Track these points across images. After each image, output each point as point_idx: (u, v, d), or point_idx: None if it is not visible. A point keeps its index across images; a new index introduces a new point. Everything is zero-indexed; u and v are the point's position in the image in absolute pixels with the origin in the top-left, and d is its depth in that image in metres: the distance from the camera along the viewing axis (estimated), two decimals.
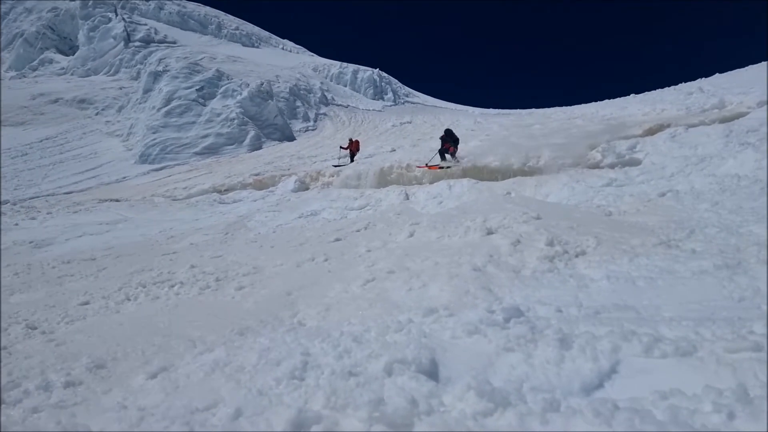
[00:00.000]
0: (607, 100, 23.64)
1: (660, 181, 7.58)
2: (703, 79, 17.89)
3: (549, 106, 35.10)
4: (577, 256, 4.21)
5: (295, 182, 15.14)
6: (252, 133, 31.58)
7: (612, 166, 9.41)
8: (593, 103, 25.20)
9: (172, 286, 5.08)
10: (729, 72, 17.56)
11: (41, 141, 29.69)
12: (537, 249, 4.44)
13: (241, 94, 34.16)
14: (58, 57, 50.49)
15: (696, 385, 1.66)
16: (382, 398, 1.70)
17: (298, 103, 39.64)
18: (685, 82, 18.59)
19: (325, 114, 40.45)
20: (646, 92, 20.49)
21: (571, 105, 29.31)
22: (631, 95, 20.99)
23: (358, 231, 7.90)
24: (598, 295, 3.16)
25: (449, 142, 12.77)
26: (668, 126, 10.42)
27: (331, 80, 51.38)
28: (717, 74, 17.85)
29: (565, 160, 10.37)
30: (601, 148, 10.20)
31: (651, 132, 10.67)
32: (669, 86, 19.35)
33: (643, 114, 14.01)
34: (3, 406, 2.07)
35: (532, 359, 2.03)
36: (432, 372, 2.00)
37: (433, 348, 2.17)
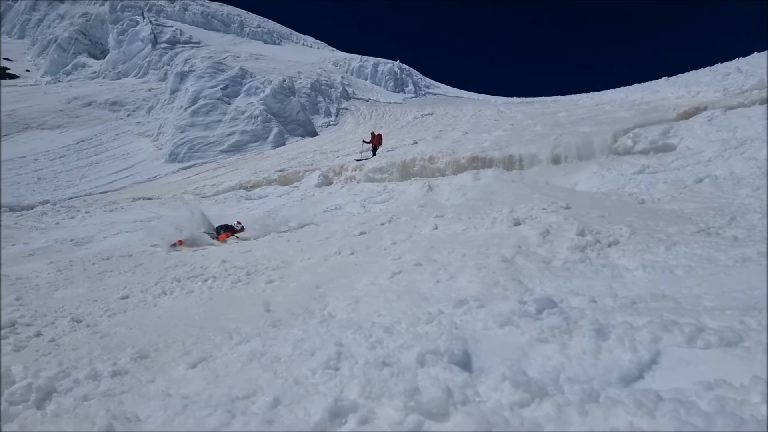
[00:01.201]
0: (637, 84, 22.86)
1: (696, 167, 7.30)
2: (741, 58, 17.06)
3: (575, 93, 34.19)
4: (609, 245, 4.12)
5: (319, 177, 15.25)
6: (275, 130, 31.96)
7: (644, 153, 9.10)
8: (622, 87, 24.41)
9: (206, 281, 5.22)
10: None
11: (77, 143, 30.80)
12: (567, 239, 4.36)
13: (264, 91, 34.56)
14: (90, 61, 52.10)
15: (743, 375, 1.61)
16: (417, 388, 1.71)
17: (320, 99, 39.83)
18: (720, 62, 17.80)
19: (346, 108, 40.53)
20: (679, 74, 19.71)
21: (598, 91, 28.50)
22: (663, 78, 20.24)
23: (382, 224, 7.92)
24: (634, 284, 3.08)
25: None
26: (704, 109, 10.00)
27: (351, 74, 51.40)
28: (755, 53, 17.00)
29: (593, 147, 10.10)
30: (632, 134, 9.88)
31: (686, 116, 10.27)
32: (704, 67, 18.56)
33: (676, 97, 13.51)
34: (55, 394, 2.17)
35: (567, 350, 2.00)
36: (465, 363, 1.99)
37: (465, 339, 2.16)
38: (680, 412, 1.40)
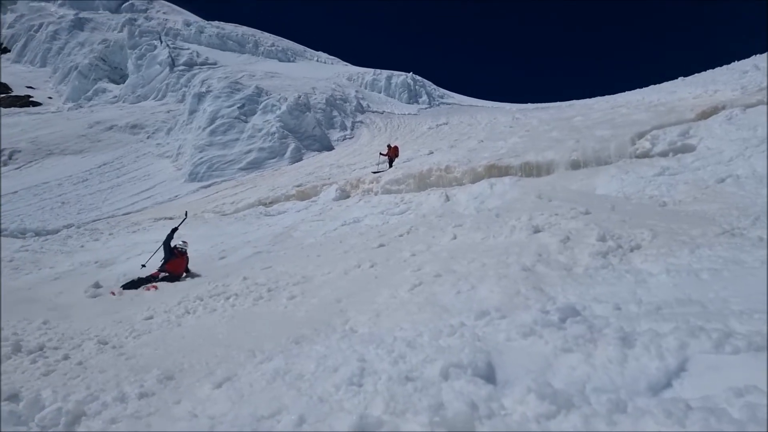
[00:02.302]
0: (653, 86, 22.56)
1: (718, 167, 7.15)
2: (758, 55, 16.73)
3: (590, 97, 33.88)
4: (632, 250, 4.05)
5: (336, 191, 15.38)
6: (292, 146, 32.43)
7: (663, 155, 8.96)
8: (638, 89, 24.12)
9: (228, 298, 5.29)
10: None
11: (99, 167, 31.73)
12: (588, 245, 4.31)
13: (280, 108, 35.18)
14: (111, 86, 53.85)
15: None
16: (442, 403, 1.71)
17: (335, 113, 40.33)
18: (737, 60, 17.46)
19: (361, 122, 40.92)
20: (696, 74, 19.39)
21: (614, 93, 28.19)
22: (680, 78, 19.93)
23: (401, 236, 7.92)
24: (658, 290, 3.02)
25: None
26: (723, 108, 9.83)
27: (365, 88, 51.97)
28: None
29: (611, 151, 9.98)
30: (650, 135, 9.74)
31: (704, 116, 10.10)
32: (720, 66, 18.23)
33: (694, 97, 13.28)
34: (84, 418, 2.22)
35: (592, 359, 1.97)
36: (489, 375, 1.98)
37: (488, 351, 2.15)
38: (710, 421, 1.37)
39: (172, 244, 8.48)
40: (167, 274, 7.98)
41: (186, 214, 9.17)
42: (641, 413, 1.51)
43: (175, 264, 8.27)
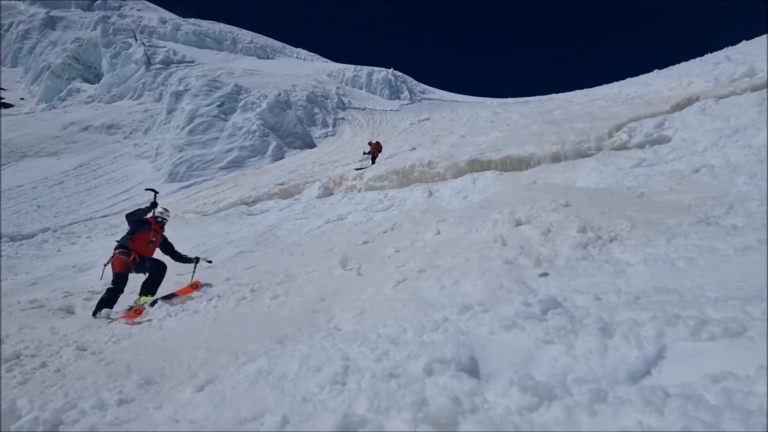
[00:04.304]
0: (629, 79, 22.96)
1: (692, 157, 7.31)
2: (730, 47, 17.12)
3: (569, 90, 34.35)
4: (611, 241, 4.12)
5: (319, 188, 15.30)
6: (274, 144, 32.12)
7: (640, 146, 9.13)
8: (615, 82, 24.51)
9: (210, 300, 5.22)
10: (756, 38, 16.75)
11: (75, 168, 30.95)
12: (569, 237, 4.37)
13: (260, 106, 34.80)
14: (85, 86, 52.51)
15: (748, 366, 1.60)
16: (425, 399, 1.70)
17: (316, 110, 40.08)
18: (710, 52, 17.86)
19: (343, 118, 40.74)
20: (670, 66, 19.78)
21: (592, 87, 28.59)
22: (655, 71, 20.30)
23: (385, 232, 7.93)
24: (637, 279, 3.08)
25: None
26: (697, 99, 10.04)
27: (346, 84, 51.74)
28: (744, 41, 17.07)
29: (590, 143, 10.13)
30: (628, 128, 9.91)
31: (679, 107, 10.31)
32: (694, 58, 18.62)
33: (669, 89, 13.55)
34: (62, 426, 2.17)
35: (573, 350, 2.00)
36: (472, 369, 1.99)
37: (471, 345, 2.16)
38: (688, 408, 1.39)
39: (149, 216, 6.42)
40: (127, 260, 5.79)
41: (155, 194, 7.07)
42: (621, 402, 1.53)
43: (141, 239, 6.05)
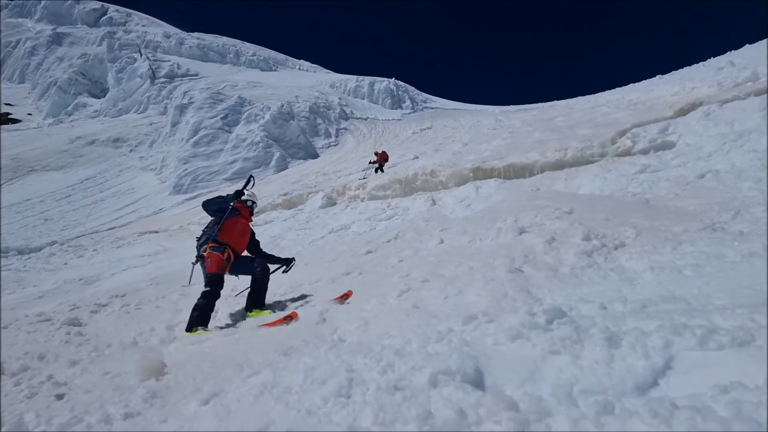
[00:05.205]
0: (632, 84, 23.01)
1: (697, 163, 7.28)
2: (733, 51, 17.15)
3: (571, 96, 34.43)
4: (616, 248, 4.10)
5: (323, 198, 15.33)
6: (277, 155, 32.32)
7: (644, 152, 9.11)
8: (618, 88, 24.56)
9: (215, 311, 5.21)
10: (759, 42, 16.78)
11: (82, 182, 31.24)
12: (573, 245, 4.35)
13: (263, 117, 35.08)
14: (91, 100, 53.18)
15: (757, 376, 1.58)
16: (430, 411, 1.69)
17: (319, 121, 40.36)
18: (713, 57, 17.88)
19: (345, 128, 40.99)
20: (673, 71, 19.81)
21: (594, 93, 28.66)
22: (657, 76, 20.35)
23: (388, 242, 7.92)
24: (643, 288, 3.05)
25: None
26: (700, 104, 10.04)
27: (348, 94, 52.13)
28: (747, 45, 17.09)
29: (593, 150, 10.12)
30: (631, 134, 9.90)
31: (683, 112, 10.31)
32: (697, 63, 18.65)
33: (672, 94, 13.56)
34: None
35: (580, 361, 1.98)
36: (477, 381, 1.97)
37: (476, 356, 2.15)
38: (696, 420, 1.38)
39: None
40: (222, 256, 4.82)
41: (251, 178, 5.67)
42: (628, 414, 1.52)
43: (232, 230, 5.02)
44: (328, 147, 36.54)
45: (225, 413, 2.08)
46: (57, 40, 66.53)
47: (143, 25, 73.77)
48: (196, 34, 67.79)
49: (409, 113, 49.03)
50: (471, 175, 12.01)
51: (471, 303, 3.39)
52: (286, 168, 31.28)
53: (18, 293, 9.84)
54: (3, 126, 45.76)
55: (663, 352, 1.93)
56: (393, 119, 44.89)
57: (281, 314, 4.41)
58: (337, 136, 39.03)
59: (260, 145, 32.34)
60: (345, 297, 4.62)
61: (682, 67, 19.62)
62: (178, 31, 71.50)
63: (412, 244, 7.03)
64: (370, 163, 19.77)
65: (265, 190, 23.02)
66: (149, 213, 24.83)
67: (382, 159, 19.38)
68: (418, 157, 20.10)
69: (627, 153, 9.51)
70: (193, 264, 5.04)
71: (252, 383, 2.33)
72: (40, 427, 2.24)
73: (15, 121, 50.98)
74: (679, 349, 1.94)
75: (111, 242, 16.70)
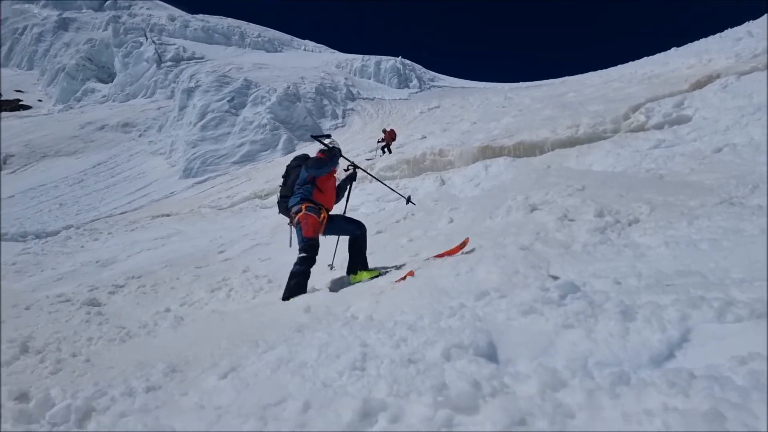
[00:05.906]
0: (645, 58, 22.42)
1: (714, 137, 7.13)
2: (751, 21, 16.58)
3: (583, 72, 33.68)
4: (630, 224, 4.05)
5: None
6: (284, 137, 32.24)
7: (659, 127, 8.93)
8: (631, 62, 23.96)
9: (229, 291, 5.30)
10: None
11: (94, 167, 31.56)
12: (586, 221, 4.31)
13: (270, 100, 34.90)
14: (99, 86, 53.28)
15: None
16: (444, 383, 1.71)
17: (325, 102, 40.03)
18: (730, 27, 17.32)
19: (352, 109, 40.64)
20: (689, 44, 19.24)
21: (606, 68, 27.98)
22: (672, 49, 19.79)
23: (397, 222, 7.92)
24: (658, 263, 3.02)
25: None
26: (717, 77, 9.77)
27: (354, 74, 51.51)
28: (766, 15, 16.49)
29: (605, 126, 9.94)
30: (645, 108, 9.70)
31: (699, 85, 10.05)
32: (713, 34, 18.08)
33: (687, 67, 13.19)
34: (94, 413, 2.23)
35: (594, 334, 1.97)
36: (491, 354, 1.98)
37: (488, 331, 2.15)
38: (715, 389, 1.37)
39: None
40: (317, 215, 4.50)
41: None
42: (644, 384, 1.52)
43: (328, 187, 4.71)
44: (336, 128, 36.30)
45: (243, 386, 2.12)
46: (63, 25, 66.42)
47: (147, 8, 73.20)
48: (200, 16, 67.14)
49: (417, 92, 48.39)
50: (480, 154, 11.89)
51: (482, 280, 3.39)
52: (293, 150, 31.20)
53: (37, 276, 10.06)
54: (15, 113, 46.13)
55: (679, 324, 1.92)
56: (400, 99, 44.36)
57: (399, 273, 4.13)
58: (344, 117, 38.74)
59: (267, 127, 32.27)
60: (461, 246, 4.33)
61: (698, 39, 19.05)
62: (182, 13, 70.90)
63: (421, 224, 7.03)
64: (378, 142, 19.66)
65: (273, 172, 23.06)
66: (160, 197, 25.06)
67: (390, 138, 19.24)
68: (426, 137, 19.90)
69: (641, 128, 9.33)
70: (290, 226, 4.80)
71: (268, 358, 2.37)
72: (65, 400, 2.31)
73: (26, 107, 51.36)
74: (695, 321, 1.93)
75: (124, 226, 16.94)
